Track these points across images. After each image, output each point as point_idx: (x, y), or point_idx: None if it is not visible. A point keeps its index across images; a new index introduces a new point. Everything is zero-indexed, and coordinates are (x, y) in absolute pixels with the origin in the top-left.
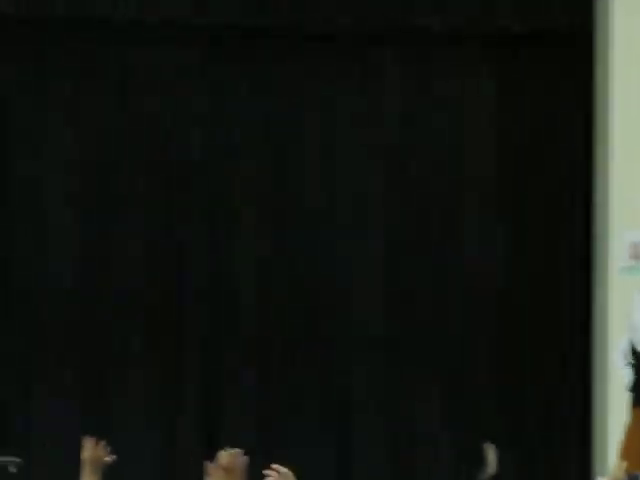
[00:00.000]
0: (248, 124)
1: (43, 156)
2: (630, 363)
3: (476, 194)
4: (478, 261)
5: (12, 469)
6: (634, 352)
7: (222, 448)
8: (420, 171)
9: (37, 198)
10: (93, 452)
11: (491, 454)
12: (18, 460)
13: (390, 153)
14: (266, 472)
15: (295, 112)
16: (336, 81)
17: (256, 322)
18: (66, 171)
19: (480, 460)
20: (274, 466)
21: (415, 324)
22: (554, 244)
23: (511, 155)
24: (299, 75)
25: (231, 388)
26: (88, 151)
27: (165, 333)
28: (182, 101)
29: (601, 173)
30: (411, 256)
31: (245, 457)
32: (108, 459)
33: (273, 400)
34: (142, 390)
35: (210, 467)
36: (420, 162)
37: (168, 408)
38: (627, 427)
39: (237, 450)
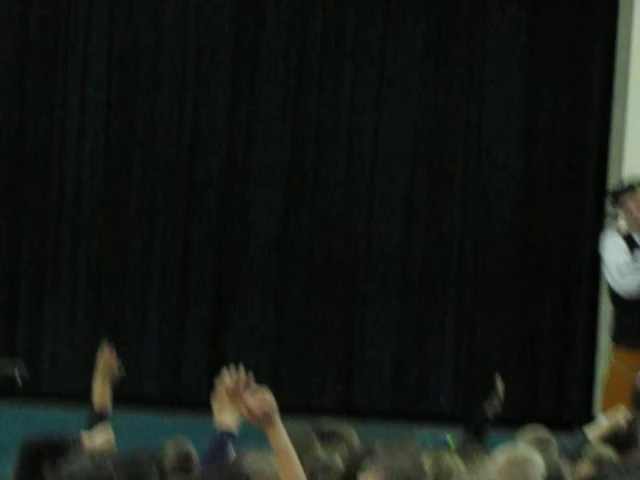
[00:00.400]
0: None
1: None
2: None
3: None
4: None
5: (20, 379)
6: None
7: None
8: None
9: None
10: (107, 358)
11: (500, 386)
12: (26, 371)
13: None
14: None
15: None
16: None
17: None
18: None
19: (489, 392)
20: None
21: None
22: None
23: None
24: None
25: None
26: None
27: (180, 262)
28: None
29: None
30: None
31: (249, 378)
32: (118, 372)
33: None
34: (156, 306)
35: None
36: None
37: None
38: (609, 367)
39: (241, 372)
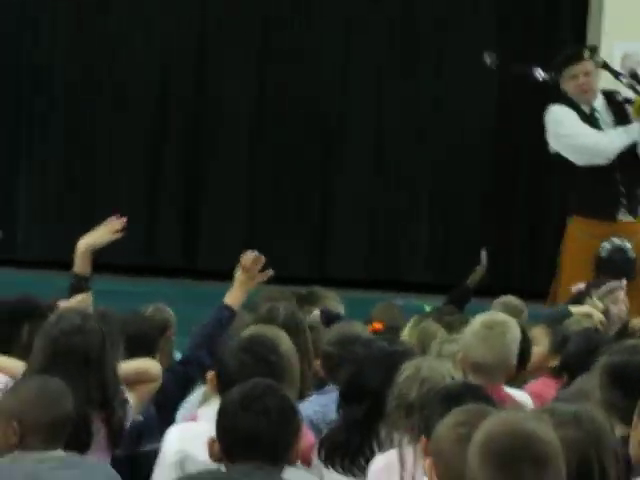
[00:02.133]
0: None
1: None
2: None
3: None
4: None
5: None
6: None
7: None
8: None
9: None
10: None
11: (484, 258)
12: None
13: None
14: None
15: None
16: None
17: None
18: None
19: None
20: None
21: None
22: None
23: None
24: None
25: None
26: None
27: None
28: None
29: None
30: None
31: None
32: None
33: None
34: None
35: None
36: None
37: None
38: (568, 237)
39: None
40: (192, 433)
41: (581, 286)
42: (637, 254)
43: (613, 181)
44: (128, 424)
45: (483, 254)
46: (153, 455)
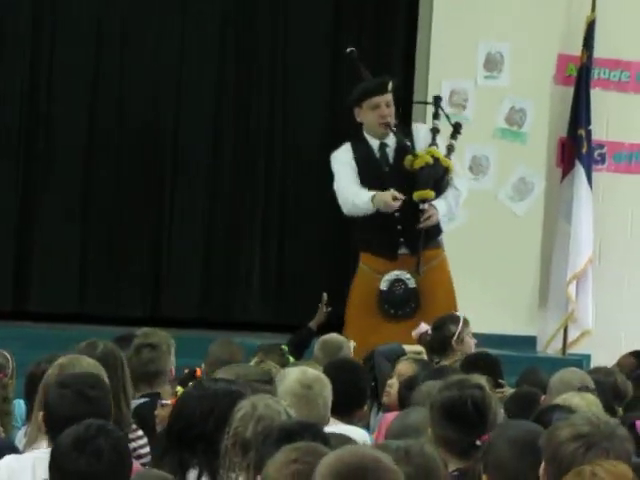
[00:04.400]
0: None
1: None
2: None
3: None
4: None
5: None
6: None
7: None
8: None
9: None
10: None
11: (324, 301)
12: None
13: None
14: None
15: None
16: None
17: None
18: None
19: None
20: None
21: None
22: None
23: None
24: None
25: None
26: None
27: None
28: None
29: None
30: None
31: None
32: None
33: None
34: None
35: None
36: None
37: None
38: (358, 270)
39: None
40: (20, 465)
41: (423, 328)
42: (422, 285)
43: (392, 220)
44: None
45: (324, 296)
46: None
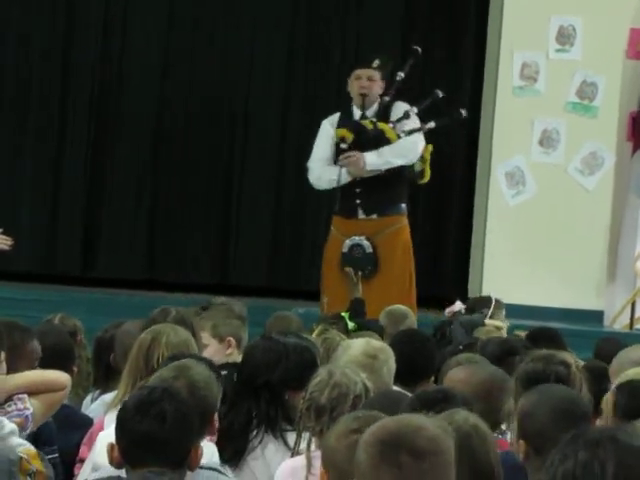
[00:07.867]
0: None
1: None
2: None
3: None
4: None
5: None
6: None
7: None
8: None
9: None
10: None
11: None
12: None
13: None
14: None
15: None
16: None
17: None
18: None
19: None
20: None
21: None
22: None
23: None
24: None
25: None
26: None
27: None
28: None
29: None
30: None
31: None
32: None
33: None
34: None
35: None
36: None
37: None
38: (329, 235)
39: None
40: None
41: (457, 307)
42: (378, 249)
43: (352, 184)
44: (28, 431)
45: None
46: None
